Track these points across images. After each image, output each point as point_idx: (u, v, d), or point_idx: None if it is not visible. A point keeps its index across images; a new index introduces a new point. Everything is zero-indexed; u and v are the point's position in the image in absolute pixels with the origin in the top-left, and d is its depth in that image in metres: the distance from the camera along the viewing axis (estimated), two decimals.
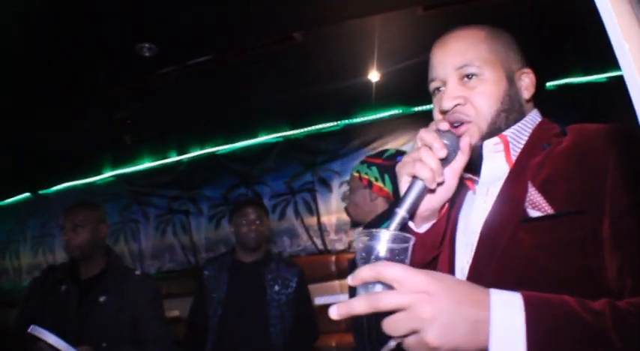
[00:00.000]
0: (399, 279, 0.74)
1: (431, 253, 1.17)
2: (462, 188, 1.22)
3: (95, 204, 3.02)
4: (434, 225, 1.15)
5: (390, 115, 5.81)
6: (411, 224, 1.14)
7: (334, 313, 0.77)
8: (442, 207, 1.15)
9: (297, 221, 6.07)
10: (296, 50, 3.99)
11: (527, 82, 1.23)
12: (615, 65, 0.67)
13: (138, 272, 3.03)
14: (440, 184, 1.04)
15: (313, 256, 5.81)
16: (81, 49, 3.51)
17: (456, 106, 1.14)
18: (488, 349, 0.73)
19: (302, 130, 6.22)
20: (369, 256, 0.87)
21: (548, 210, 0.98)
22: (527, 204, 1.01)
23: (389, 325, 0.73)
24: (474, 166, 1.17)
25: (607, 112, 5.14)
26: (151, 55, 3.63)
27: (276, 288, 3.15)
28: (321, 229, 5.92)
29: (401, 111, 5.67)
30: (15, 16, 2.98)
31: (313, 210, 6.00)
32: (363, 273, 0.78)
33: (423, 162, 1.01)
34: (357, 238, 0.90)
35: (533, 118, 1.20)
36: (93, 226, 2.78)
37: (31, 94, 4.11)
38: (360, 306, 0.75)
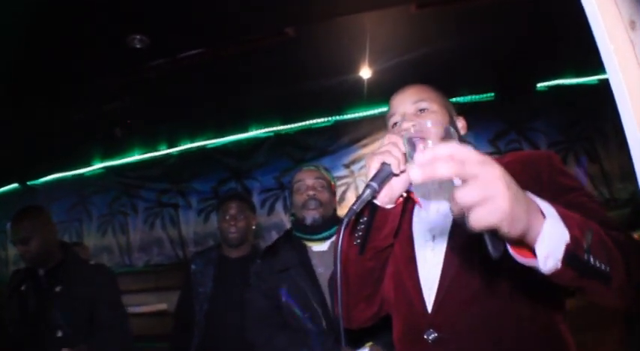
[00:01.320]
0: (475, 157, 0.80)
1: (389, 238, 1.44)
2: (408, 205, 1.56)
3: (37, 208, 3.02)
4: (395, 207, 1.41)
5: (380, 112, 5.80)
6: (377, 202, 1.37)
7: (418, 174, 0.80)
8: (397, 200, 1.40)
9: (286, 216, 6.08)
10: (288, 45, 3.98)
11: (462, 124, 1.63)
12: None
13: (92, 262, 3.09)
14: (402, 171, 1.30)
15: None
16: (71, 39, 3.49)
17: (412, 126, 1.40)
18: (544, 220, 0.85)
19: (293, 126, 6.22)
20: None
21: None
22: None
23: (463, 193, 0.77)
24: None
25: (597, 113, 5.19)
26: (142, 46, 3.61)
27: None
28: None
29: None
30: (5, 7, 2.95)
31: None
32: (439, 150, 0.81)
33: (391, 153, 1.29)
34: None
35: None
36: (40, 233, 2.81)
37: (21, 85, 4.08)
38: (445, 168, 0.78)
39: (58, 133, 5.47)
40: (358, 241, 1.42)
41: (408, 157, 1.30)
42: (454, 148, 0.81)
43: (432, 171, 0.79)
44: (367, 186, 1.25)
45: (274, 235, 6.02)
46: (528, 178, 1.31)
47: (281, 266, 2.58)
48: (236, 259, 3.22)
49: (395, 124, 1.57)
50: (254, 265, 2.77)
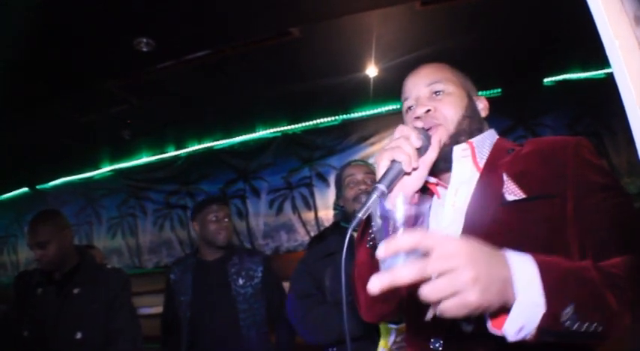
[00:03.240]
0: (439, 246, 0.78)
1: None
2: (426, 198, 1.40)
3: (53, 213, 3.00)
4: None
5: (387, 111, 5.82)
6: (388, 206, 1.20)
7: (376, 286, 0.79)
8: (412, 197, 1.28)
9: (294, 216, 6.08)
10: (294, 45, 3.98)
11: (482, 105, 1.50)
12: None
13: (109, 266, 3.10)
14: (414, 169, 1.21)
15: None
16: (78, 43, 3.51)
17: (427, 111, 1.38)
18: (515, 299, 0.83)
19: (300, 125, 6.22)
20: (388, 224, 0.94)
21: (522, 195, 1.21)
22: (504, 191, 1.23)
23: (431, 290, 0.76)
24: (439, 171, 1.39)
25: (604, 108, 5.16)
26: (149, 50, 3.63)
27: (240, 282, 3.13)
28: (319, 224, 5.92)
29: (399, 106, 5.58)
30: (13, 11, 2.97)
31: (311, 205, 6.01)
32: (401, 242, 0.80)
33: (402, 148, 1.18)
34: (373, 206, 1.06)
35: (493, 133, 1.45)
36: (57, 237, 2.80)
37: (30, 89, 4.10)
38: (406, 274, 0.77)
39: (66, 137, 5.51)
40: (371, 243, 1.34)
41: (422, 151, 1.23)
42: (418, 238, 0.79)
43: (392, 279, 0.78)
44: (374, 189, 1.14)
45: (283, 236, 6.03)
46: (549, 173, 1.22)
47: (327, 251, 2.63)
48: (213, 261, 3.23)
49: (409, 108, 1.47)
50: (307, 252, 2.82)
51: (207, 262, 3.23)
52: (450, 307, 0.77)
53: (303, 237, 5.97)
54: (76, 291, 2.76)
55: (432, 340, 1.26)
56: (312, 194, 6.03)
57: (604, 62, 5.05)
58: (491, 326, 0.89)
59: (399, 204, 0.93)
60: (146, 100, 4.75)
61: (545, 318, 0.84)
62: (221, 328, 3.05)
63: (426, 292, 0.77)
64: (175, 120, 5.67)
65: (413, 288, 1.39)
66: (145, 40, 3.53)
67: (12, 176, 6.97)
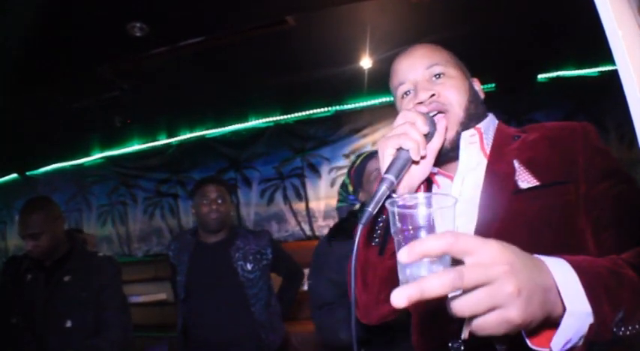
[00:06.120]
0: (474, 250, 0.65)
1: None
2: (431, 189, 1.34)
3: (45, 202, 2.92)
4: None
5: (381, 103, 5.80)
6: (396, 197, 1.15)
7: (402, 299, 0.63)
8: (417, 188, 1.21)
9: (285, 206, 6.08)
10: (289, 34, 3.96)
11: (478, 87, 1.39)
12: (608, 59, 0.67)
13: (100, 254, 3.04)
14: (423, 157, 1.11)
15: (301, 242, 5.80)
16: (71, 27, 3.47)
17: (431, 96, 1.26)
18: (564, 309, 0.71)
19: (293, 115, 6.20)
20: (414, 224, 0.80)
21: (536, 182, 1.15)
22: (517, 178, 1.17)
23: (465, 305, 0.65)
24: (442, 160, 1.29)
25: (597, 106, 5.17)
26: (142, 35, 3.58)
27: (249, 266, 3.02)
28: (310, 214, 5.93)
29: (392, 98, 5.56)
30: None
31: (302, 195, 6.01)
32: (428, 245, 0.65)
33: (408, 135, 1.08)
34: (392, 204, 0.83)
35: (493, 118, 1.37)
36: (50, 228, 2.75)
37: (20, 74, 4.05)
38: (437, 285, 0.62)
39: (57, 123, 5.45)
40: (377, 240, 1.21)
41: (428, 138, 1.13)
42: (450, 240, 0.64)
43: (421, 292, 0.62)
44: (382, 180, 1.02)
45: (274, 225, 6.03)
46: (560, 159, 1.16)
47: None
48: (213, 244, 3.14)
49: (406, 93, 1.35)
50: (318, 246, 2.73)
51: (207, 244, 3.15)
52: (488, 324, 0.65)
53: (293, 227, 5.98)
54: (66, 279, 2.72)
55: (454, 338, 1.14)
56: (304, 185, 6.03)
57: (598, 60, 5.07)
58: (531, 344, 0.76)
59: (420, 199, 0.81)
60: (138, 87, 4.71)
61: (594, 328, 0.73)
62: (229, 314, 2.97)
63: (459, 307, 0.65)
64: (167, 107, 5.64)
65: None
66: (138, 24, 3.49)
67: (1, 162, 6.91)
